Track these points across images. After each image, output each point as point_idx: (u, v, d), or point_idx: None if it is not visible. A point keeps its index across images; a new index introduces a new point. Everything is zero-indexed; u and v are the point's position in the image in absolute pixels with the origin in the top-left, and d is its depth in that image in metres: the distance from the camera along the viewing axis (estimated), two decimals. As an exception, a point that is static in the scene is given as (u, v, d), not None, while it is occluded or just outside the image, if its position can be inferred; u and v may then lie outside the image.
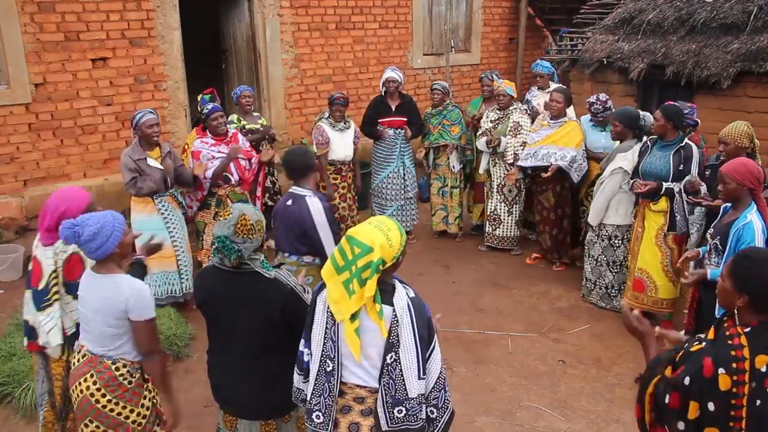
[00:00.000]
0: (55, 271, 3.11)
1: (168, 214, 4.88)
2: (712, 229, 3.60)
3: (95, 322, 2.74)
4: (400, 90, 6.51)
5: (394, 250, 2.32)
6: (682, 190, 4.42)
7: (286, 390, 2.71)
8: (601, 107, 5.50)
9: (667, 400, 2.16)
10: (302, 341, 2.51)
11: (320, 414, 2.42)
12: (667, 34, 6.93)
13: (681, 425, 2.13)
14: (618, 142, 5.23)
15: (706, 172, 4.43)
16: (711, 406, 2.07)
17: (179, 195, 5.06)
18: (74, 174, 6.65)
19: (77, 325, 3.03)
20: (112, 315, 2.69)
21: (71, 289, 3.08)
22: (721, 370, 2.04)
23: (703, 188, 4.34)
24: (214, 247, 2.65)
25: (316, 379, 2.42)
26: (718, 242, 3.50)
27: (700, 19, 6.63)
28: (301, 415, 2.89)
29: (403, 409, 2.34)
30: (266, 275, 2.63)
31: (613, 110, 5.44)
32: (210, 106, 5.17)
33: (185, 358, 4.59)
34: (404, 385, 2.33)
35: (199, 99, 5.71)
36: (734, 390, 2.04)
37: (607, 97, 5.62)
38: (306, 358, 2.49)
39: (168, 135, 7.03)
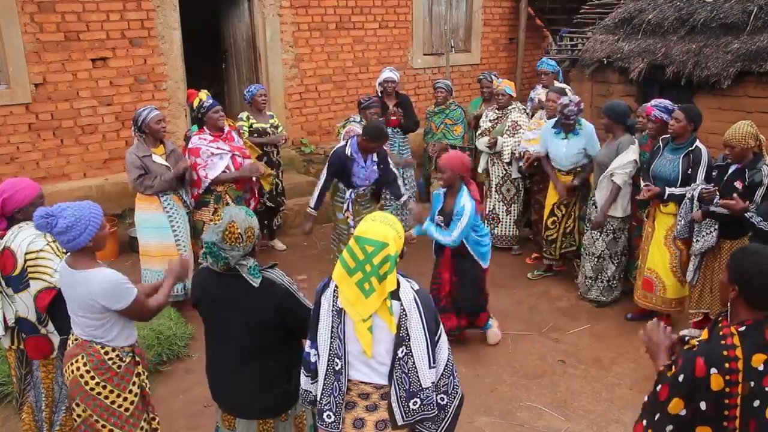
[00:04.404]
0: None
1: (173, 213, 4.88)
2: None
3: (80, 316, 2.77)
4: (396, 89, 6.52)
5: (402, 240, 2.41)
6: (694, 197, 4.31)
7: (283, 390, 2.72)
8: (575, 109, 5.26)
9: (658, 389, 2.20)
10: (308, 342, 2.51)
11: (331, 413, 2.43)
12: (667, 34, 6.93)
13: (669, 427, 2.15)
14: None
15: (713, 173, 4.35)
16: (703, 405, 2.08)
17: (184, 194, 5.05)
18: (74, 174, 6.65)
19: (19, 319, 3.07)
20: (91, 311, 2.72)
21: (9, 282, 3.06)
22: (713, 370, 2.05)
23: (717, 198, 4.17)
24: (202, 251, 2.64)
25: (325, 379, 2.43)
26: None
27: (700, 19, 6.62)
28: (298, 414, 2.89)
29: (418, 400, 2.37)
30: (252, 282, 2.59)
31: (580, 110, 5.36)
32: (210, 101, 5.17)
33: (185, 358, 4.59)
34: (417, 376, 2.36)
35: (203, 98, 5.72)
36: (727, 390, 2.05)
37: (579, 98, 5.45)
38: (313, 359, 2.49)
39: (168, 135, 7.01)
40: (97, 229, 2.69)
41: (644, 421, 2.24)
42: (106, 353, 2.79)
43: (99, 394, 2.79)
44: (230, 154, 5.12)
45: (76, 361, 2.80)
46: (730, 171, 4.20)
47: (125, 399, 2.84)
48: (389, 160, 5.37)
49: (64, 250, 3.10)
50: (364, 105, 5.83)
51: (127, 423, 2.86)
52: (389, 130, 6.46)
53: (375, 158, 5.26)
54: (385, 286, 2.31)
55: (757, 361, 2.05)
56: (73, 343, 2.88)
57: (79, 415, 2.87)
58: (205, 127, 5.17)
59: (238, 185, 5.25)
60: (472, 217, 4.28)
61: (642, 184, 4.73)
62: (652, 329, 2.43)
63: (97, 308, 2.70)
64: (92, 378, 2.78)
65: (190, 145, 5.09)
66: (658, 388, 2.21)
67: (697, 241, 4.35)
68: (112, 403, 2.81)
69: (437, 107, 6.48)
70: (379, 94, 6.54)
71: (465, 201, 4.30)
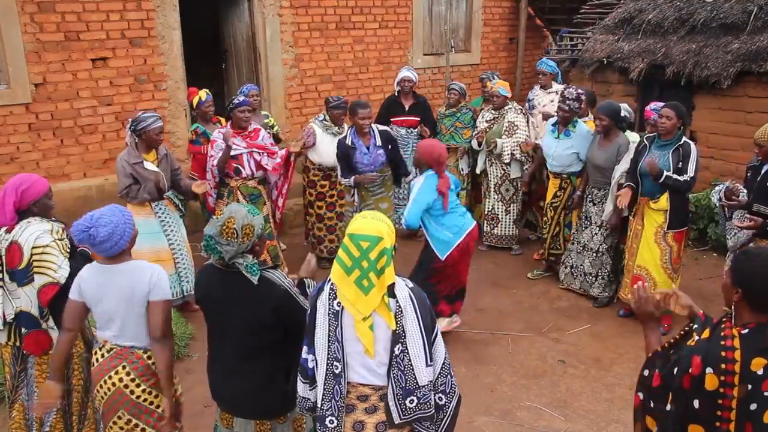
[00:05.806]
0: (0, 258, 3.10)
1: (165, 217, 4.87)
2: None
3: (122, 313, 2.75)
4: (413, 90, 6.52)
5: (394, 234, 2.42)
6: (722, 197, 4.27)
7: (281, 390, 2.71)
8: (574, 96, 5.23)
9: (646, 373, 2.23)
10: (305, 348, 2.50)
11: (333, 418, 2.41)
12: (667, 34, 6.93)
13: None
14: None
15: (748, 174, 4.31)
16: (696, 404, 2.08)
17: (176, 198, 5.04)
18: (74, 174, 6.65)
19: (19, 314, 3.07)
20: (139, 302, 2.73)
21: (13, 275, 3.07)
22: (708, 370, 2.05)
23: (743, 194, 4.19)
24: (202, 243, 2.66)
25: (325, 383, 2.41)
26: None
27: (700, 19, 6.63)
28: (297, 417, 2.88)
29: (415, 398, 2.37)
30: (251, 279, 2.60)
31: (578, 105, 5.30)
32: (241, 98, 5.28)
33: (185, 358, 4.60)
34: (414, 374, 2.35)
35: (203, 98, 5.75)
36: (722, 390, 2.05)
37: (581, 91, 5.36)
38: (311, 365, 2.47)
39: (168, 135, 7.02)
40: (132, 232, 2.78)
41: (640, 394, 2.31)
42: (149, 357, 2.80)
43: (145, 400, 2.79)
44: (248, 151, 5.23)
45: (116, 373, 2.77)
46: (763, 171, 4.15)
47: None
48: (396, 140, 5.60)
49: (68, 249, 3.13)
50: (332, 105, 5.82)
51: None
52: (404, 130, 6.47)
53: (378, 142, 5.32)
54: (384, 280, 2.31)
55: (757, 365, 2.04)
56: (104, 355, 2.82)
57: (121, 428, 2.82)
58: (230, 122, 5.30)
59: (273, 172, 5.38)
60: (423, 195, 4.26)
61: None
62: (640, 297, 2.42)
63: (140, 299, 2.72)
64: (138, 386, 2.78)
65: (212, 138, 5.29)
66: (646, 372, 2.24)
67: (728, 239, 4.32)
68: (157, 407, 2.81)
69: (448, 109, 6.49)
70: (396, 94, 6.55)
71: (418, 180, 4.37)
